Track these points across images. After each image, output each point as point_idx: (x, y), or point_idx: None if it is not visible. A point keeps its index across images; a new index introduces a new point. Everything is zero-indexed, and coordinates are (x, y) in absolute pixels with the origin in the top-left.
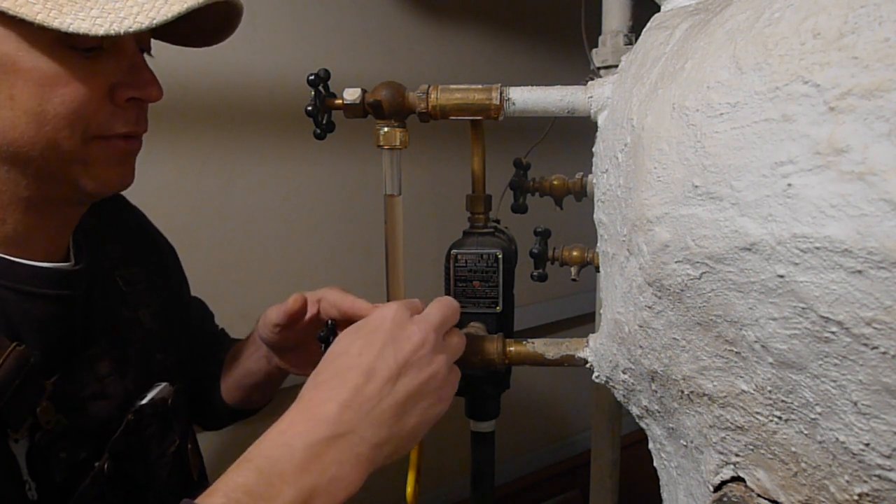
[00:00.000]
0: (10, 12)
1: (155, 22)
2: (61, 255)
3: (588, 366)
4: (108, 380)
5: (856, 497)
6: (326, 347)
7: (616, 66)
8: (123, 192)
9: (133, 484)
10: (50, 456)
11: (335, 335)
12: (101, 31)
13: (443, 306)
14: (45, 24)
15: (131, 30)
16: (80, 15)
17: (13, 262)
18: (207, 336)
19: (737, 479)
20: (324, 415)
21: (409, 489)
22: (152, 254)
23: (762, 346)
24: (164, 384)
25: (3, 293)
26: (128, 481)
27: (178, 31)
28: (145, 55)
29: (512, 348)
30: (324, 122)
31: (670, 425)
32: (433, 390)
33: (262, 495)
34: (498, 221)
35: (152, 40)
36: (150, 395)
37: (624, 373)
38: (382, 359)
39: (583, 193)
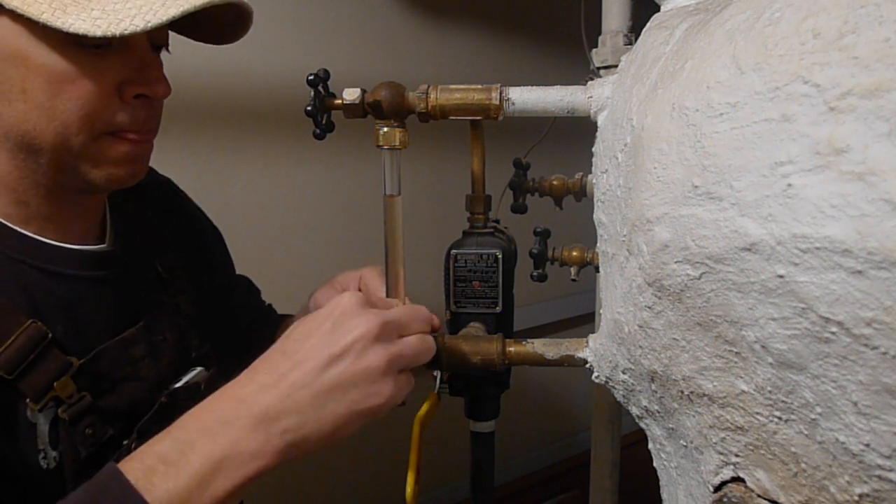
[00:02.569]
0: (19, 11)
1: (150, 25)
2: (94, 238)
3: (588, 366)
4: (142, 363)
5: (856, 497)
6: None
7: (616, 66)
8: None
9: None
10: (75, 430)
11: None
12: (98, 32)
13: (406, 309)
14: (49, 23)
15: (126, 32)
16: (82, 16)
17: (39, 241)
18: (255, 311)
19: (737, 479)
20: (242, 395)
21: (409, 489)
22: (196, 241)
23: (762, 347)
24: (199, 369)
25: (27, 271)
26: None
27: (193, 28)
28: (163, 51)
29: (512, 348)
30: (323, 122)
31: (670, 425)
32: (365, 383)
33: (173, 462)
34: (498, 221)
35: (175, 35)
36: (184, 379)
37: (624, 373)
38: (316, 346)
39: (582, 193)
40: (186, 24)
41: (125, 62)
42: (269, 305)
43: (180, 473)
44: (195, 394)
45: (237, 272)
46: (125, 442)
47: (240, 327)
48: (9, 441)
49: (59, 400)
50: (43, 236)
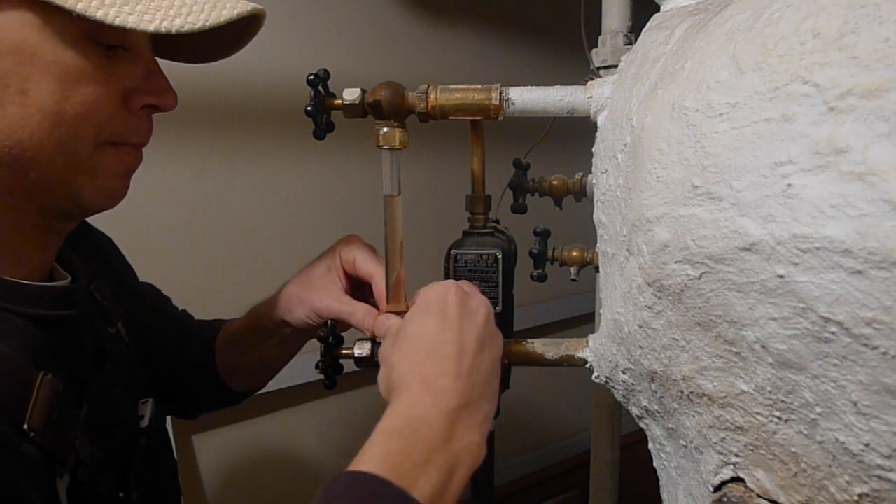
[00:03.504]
0: None
1: (209, 24)
2: (44, 274)
3: (588, 366)
4: (122, 405)
5: (856, 497)
6: (327, 348)
7: (616, 66)
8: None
9: None
10: (90, 493)
11: (335, 335)
12: (150, 28)
13: (465, 282)
14: (87, 14)
15: (183, 29)
16: (125, 9)
17: (15, 282)
18: (173, 322)
19: (736, 479)
20: (444, 387)
21: None
22: (102, 259)
23: (762, 347)
24: (150, 400)
25: (13, 319)
26: None
27: (191, 43)
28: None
29: (511, 348)
30: (323, 122)
31: (670, 425)
32: (499, 357)
33: (420, 461)
34: (497, 221)
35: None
36: (147, 416)
37: (624, 373)
38: (466, 332)
39: (582, 193)
40: (187, 37)
41: (132, 69)
42: (183, 311)
43: (430, 471)
44: (162, 427)
45: (241, 269)
46: (121, 494)
47: (154, 338)
48: None
49: (77, 462)
50: (14, 276)
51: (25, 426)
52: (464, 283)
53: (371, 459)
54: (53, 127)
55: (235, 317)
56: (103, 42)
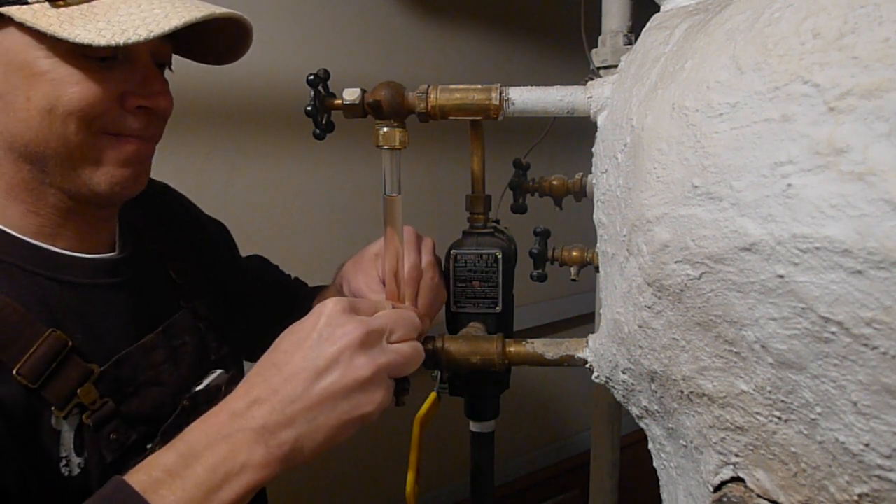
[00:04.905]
0: (29, 24)
1: (152, 34)
2: (106, 249)
3: (588, 366)
4: (163, 368)
5: (856, 497)
6: None
7: (616, 67)
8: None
9: None
10: (99, 436)
11: None
12: (102, 42)
13: (393, 315)
14: (56, 34)
15: (130, 41)
16: (88, 27)
17: (51, 251)
18: (276, 286)
19: (736, 479)
20: (239, 409)
21: (409, 489)
22: (203, 242)
23: (762, 347)
24: (219, 371)
25: (42, 282)
26: None
27: (195, 47)
28: (166, 70)
29: (511, 348)
30: (323, 122)
31: (670, 425)
32: (355, 393)
33: (178, 474)
34: (498, 221)
35: (176, 56)
36: (205, 382)
37: (624, 373)
38: (306, 359)
39: (582, 193)
40: (188, 43)
41: (129, 75)
42: (296, 279)
43: (186, 484)
44: (215, 396)
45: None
46: (149, 446)
47: (259, 307)
48: (34, 449)
49: (82, 406)
50: (55, 247)
51: (14, 371)
52: (361, 305)
53: (141, 470)
54: (51, 123)
55: None
56: (91, 55)
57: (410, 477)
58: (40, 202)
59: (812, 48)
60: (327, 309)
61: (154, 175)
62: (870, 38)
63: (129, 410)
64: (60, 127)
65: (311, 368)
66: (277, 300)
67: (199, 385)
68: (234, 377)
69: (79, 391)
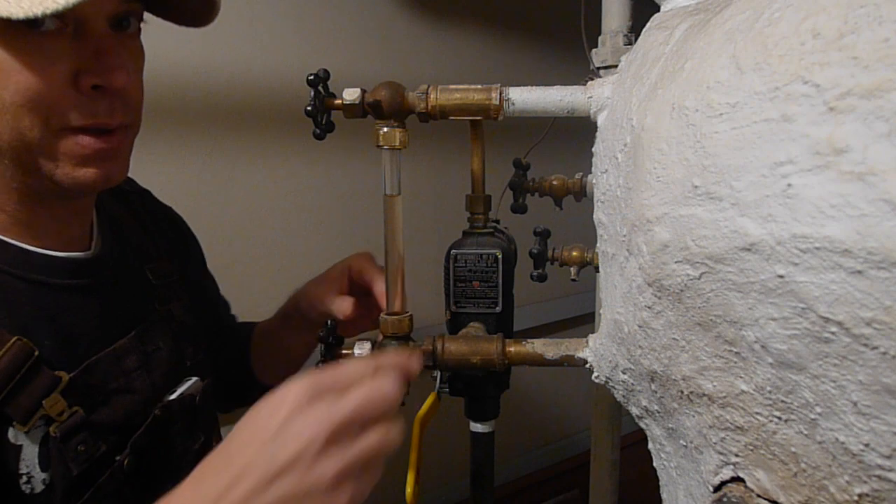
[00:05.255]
0: None
1: (71, 2)
2: (81, 245)
3: (588, 366)
4: (135, 374)
5: (856, 497)
6: (326, 348)
7: (616, 66)
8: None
9: (155, 480)
10: (66, 448)
11: (335, 336)
12: (20, 14)
13: (368, 392)
14: None
15: (48, 12)
16: None
17: (21, 248)
18: (221, 318)
19: (736, 479)
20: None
21: (409, 489)
22: (183, 247)
23: (762, 347)
24: (194, 379)
25: (10, 282)
26: (149, 477)
27: (163, 9)
28: (142, 25)
29: (511, 348)
30: (323, 122)
31: (670, 425)
32: (317, 496)
33: None
34: (497, 221)
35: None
36: (179, 391)
37: (624, 373)
38: (259, 457)
39: (582, 193)
40: (155, 3)
41: (80, 49)
42: (232, 314)
43: None
44: (190, 405)
45: (241, 269)
46: (118, 458)
47: (223, 336)
48: None
49: (49, 418)
50: (25, 243)
51: None
52: (337, 378)
53: None
54: (1, 115)
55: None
56: (31, 32)
57: (410, 477)
58: (3, 197)
59: (812, 48)
60: (291, 395)
61: (154, 174)
62: (870, 38)
63: (99, 420)
64: (13, 121)
65: (266, 468)
66: (220, 328)
67: (172, 394)
68: (209, 385)
69: (44, 402)
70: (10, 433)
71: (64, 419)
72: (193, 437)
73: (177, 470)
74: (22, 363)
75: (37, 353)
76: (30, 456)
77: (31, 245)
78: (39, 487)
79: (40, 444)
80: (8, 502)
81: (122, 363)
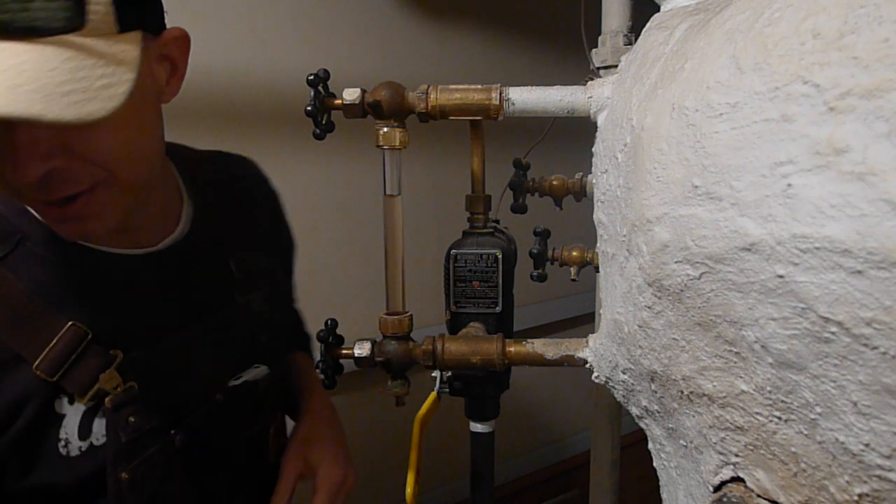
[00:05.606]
0: None
1: None
2: (156, 235)
3: (588, 366)
4: (201, 359)
5: (856, 497)
6: (326, 347)
7: (616, 66)
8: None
9: (206, 460)
10: (117, 417)
11: (335, 336)
12: None
13: None
14: None
15: None
16: None
17: (84, 246)
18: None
19: (736, 479)
20: None
21: (409, 489)
22: (277, 243)
23: (762, 347)
24: (263, 367)
25: (87, 252)
26: (200, 456)
27: None
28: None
29: (511, 348)
30: (323, 122)
31: (670, 425)
32: None
33: None
34: (497, 221)
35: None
36: (244, 377)
37: (624, 373)
38: None
39: (582, 193)
40: None
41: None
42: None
43: None
44: (251, 392)
45: None
46: (172, 431)
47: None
48: (34, 431)
49: (103, 392)
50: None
51: (34, 366)
52: None
53: None
54: None
55: None
56: None
57: (410, 477)
58: None
59: (812, 48)
60: None
61: None
62: (870, 38)
63: (155, 397)
64: None
65: None
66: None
67: (238, 379)
68: (277, 375)
69: (101, 377)
70: (57, 403)
71: (118, 392)
72: (251, 422)
73: (229, 453)
74: (75, 346)
75: (90, 335)
76: (71, 425)
77: (105, 246)
78: (75, 452)
79: (83, 416)
80: (41, 456)
81: (188, 346)
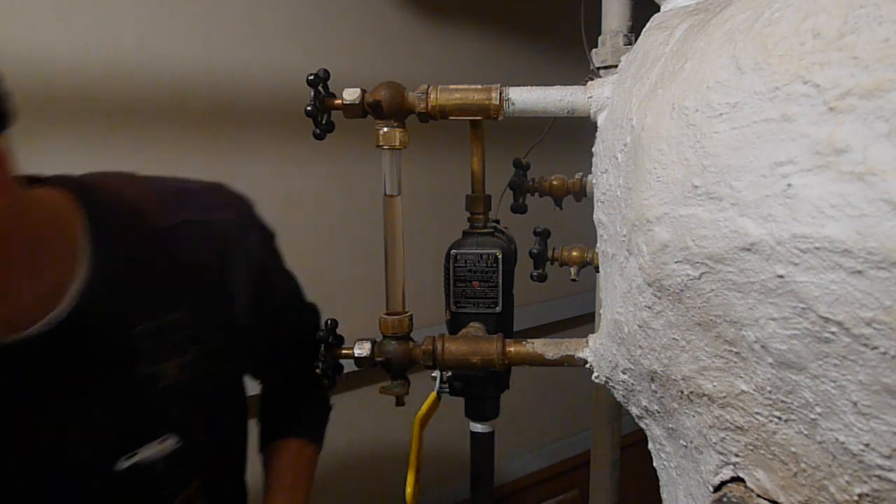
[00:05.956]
0: None
1: None
2: (33, 314)
3: (588, 366)
4: (72, 443)
5: (856, 497)
6: (327, 348)
7: (616, 66)
8: None
9: None
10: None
11: (335, 335)
12: None
13: None
14: None
15: None
16: None
17: None
18: (295, 336)
19: (736, 479)
20: None
21: (409, 489)
22: (213, 289)
23: (762, 347)
24: (170, 439)
25: None
26: None
27: None
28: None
29: (511, 348)
30: (323, 122)
31: (670, 425)
32: None
33: None
34: (498, 221)
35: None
36: (139, 455)
37: (624, 373)
38: None
39: (582, 193)
40: None
41: None
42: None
43: None
44: (149, 470)
45: None
46: None
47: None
48: None
49: None
50: None
51: None
52: None
53: None
54: None
55: None
56: None
57: (410, 477)
58: None
59: (812, 48)
60: None
61: (154, 174)
62: (870, 38)
63: (21, 487)
64: None
65: None
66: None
67: (130, 457)
68: (187, 446)
69: None
70: None
71: None
72: (148, 501)
73: None
74: None
75: None
76: None
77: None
78: None
79: None
80: None
81: (51, 432)
